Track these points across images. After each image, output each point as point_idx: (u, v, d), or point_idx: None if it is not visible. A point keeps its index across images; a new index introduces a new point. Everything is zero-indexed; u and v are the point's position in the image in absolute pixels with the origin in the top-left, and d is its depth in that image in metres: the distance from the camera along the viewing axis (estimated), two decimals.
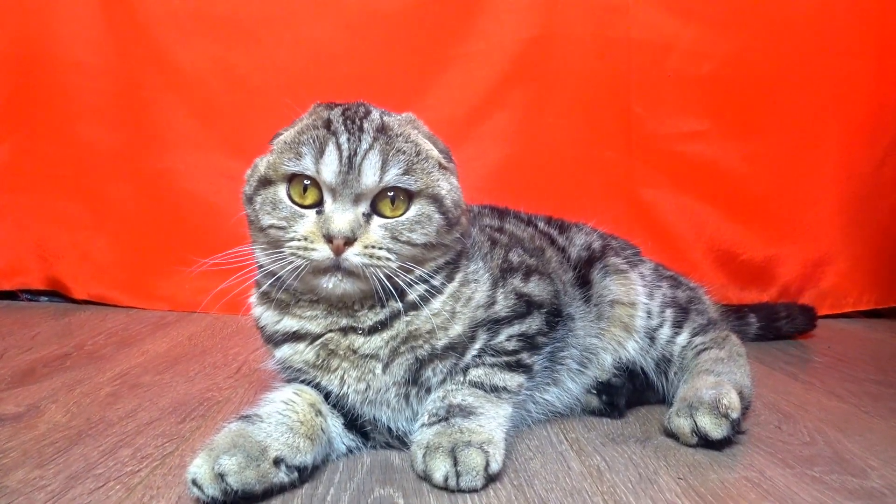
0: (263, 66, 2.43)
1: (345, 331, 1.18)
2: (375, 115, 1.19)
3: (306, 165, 1.12)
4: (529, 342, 1.27)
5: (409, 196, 1.15)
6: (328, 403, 1.21)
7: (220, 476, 1.00)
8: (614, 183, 2.45)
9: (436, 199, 1.16)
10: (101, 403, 1.42)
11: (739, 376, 1.38)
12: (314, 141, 1.13)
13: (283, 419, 1.13)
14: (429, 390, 1.21)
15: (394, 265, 1.12)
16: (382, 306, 1.16)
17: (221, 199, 2.46)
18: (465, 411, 1.15)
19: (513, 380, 1.23)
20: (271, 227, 1.15)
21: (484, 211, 1.58)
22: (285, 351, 1.23)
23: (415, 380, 1.20)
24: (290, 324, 1.22)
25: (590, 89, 2.43)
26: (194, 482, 1.00)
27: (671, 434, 1.26)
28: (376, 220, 1.13)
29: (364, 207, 1.13)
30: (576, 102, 2.44)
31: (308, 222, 1.12)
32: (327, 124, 1.15)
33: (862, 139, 2.48)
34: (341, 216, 1.10)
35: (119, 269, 2.48)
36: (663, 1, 2.43)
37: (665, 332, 1.48)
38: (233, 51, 2.43)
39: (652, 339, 1.47)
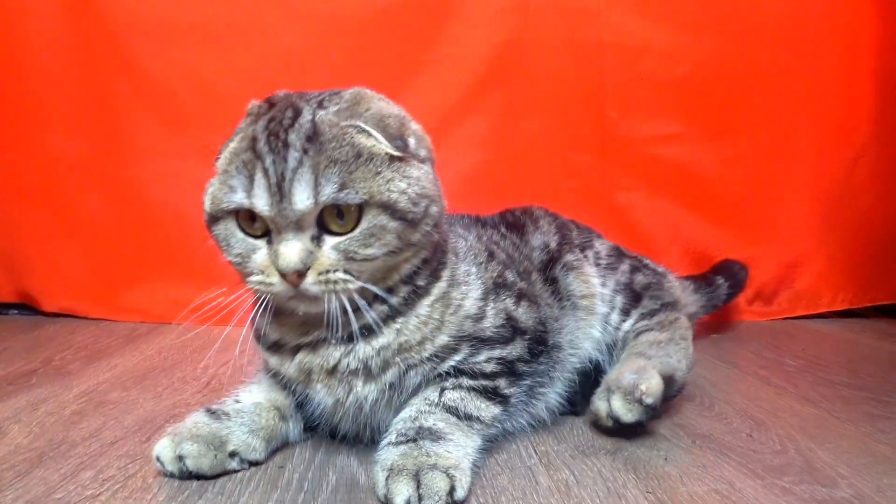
0: (234, 73, 2.40)
1: (315, 347, 1.17)
2: (305, 117, 1.08)
3: (241, 200, 1.06)
4: (509, 367, 1.23)
5: (358, 207, 1.06)
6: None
7: (180, 458, 1.12)
8: (589, 187, 2.44)
9: (387, 206, 1.07)
10: (65, 423, 1.40)
11: (675, 360, 1.39)
12: (243, 168, 1.06)
13: (246, 421, 1.20)
14: (403, 392, 1.20)
15: (354, 285, 1.08)
16: (361, 314, 1.11)
17: (192, 209, 2.41)
18: (435, 435, 1.10)
19: (488, 410, 1.19)
20: (232, 262, 1.13)
21: (483, 220, 1.58)
22: (275, 361, 1.24)
23: (395, 385, 1.18)
24: (274, 335, 1.22)
25: (563, 93, 2.42)
26: (158, 458, 1.13)
27: (594, 419, 1.29)
28: (328, 241, 1.07)
29: (311, 230, 1.06)
30: (549, 107, 2.43)
31: (261, 255, 1.09)
32: (252, 144, 1.07)
33: (835, 140, 2.48)
34: (286, 249, 1.04)
35: (89, 281, 2.45)
36: (636, 4, 2.41)
37: (614, 317, 1.50)
38: (203, 58, 2.40)
39: (605, 324, 1.48)
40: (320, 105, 1.11)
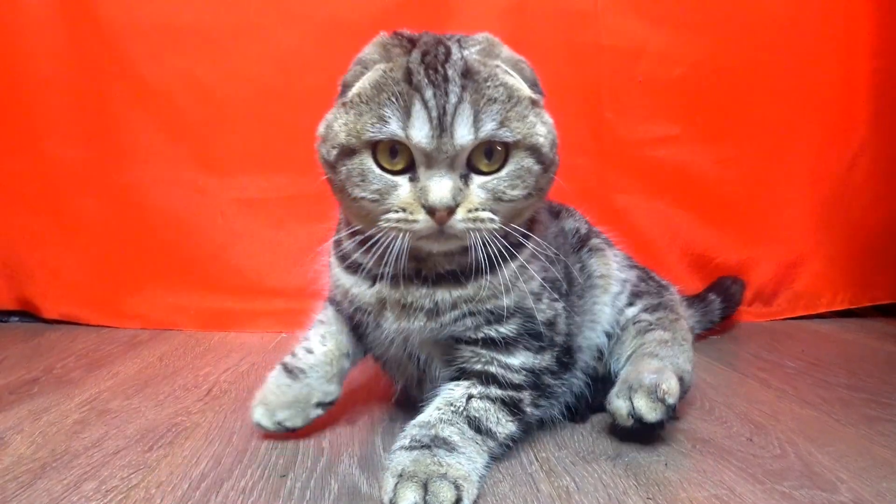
0: (231, 77, 2.41)
1: (398, 281, 1.19)
2: (456, 54, 1.08)
3: (393, 131, 1.05)
4: (536, 379, 1.24)
5: (506, 147, 1.08)
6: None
7: (278, 422, 1.31)
8: (587, 189, 2.43)
9: (534, 149, 1.10)
10: (67, 433, 1.40)
11: (682, 361, 1.41)
12: (397, 100, 1.04)
13: (322, 374, 1.34)
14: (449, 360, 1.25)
15: (497, 225, 1.10)
16: (460, 256, 1.16)
17: (192, 214, 2.44)
18: (449, 446, 1.10)
19: (505, 427, 1.20)
20: (363, 199, 1.10)
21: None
22: (349, 280, 1.26)
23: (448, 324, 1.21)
24: (359, 256, 1.22)
25: (560, 96, 2.36)
26: (258, 424, 1.31)
27: (611, 415, 1.29)
28: (475, 180, 1.08)
29: (461, 169, 1.07)
30: (546, 109, 2.42)
31: (404, 192, 1.08)
32: (408, 77, 1.05)
33: (832, 141, 2.49)
34: (439, 185, 1.05)
35: (90, 288, 2.45)
36: (633, 6, 2.42)
37: (622, 299, 1.52)
38: (200, 63, 2.41)
39: (615, 304, 1.51)
40: (460, 45, 1.12)
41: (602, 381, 1.47)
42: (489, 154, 1.08)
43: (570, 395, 1.40)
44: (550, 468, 1.20)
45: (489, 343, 1.22)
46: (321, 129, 1.17)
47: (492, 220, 1.09)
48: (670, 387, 1.24)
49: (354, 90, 1.11)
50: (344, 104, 1.12)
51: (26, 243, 2.46)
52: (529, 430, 1.30)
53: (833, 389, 1.65)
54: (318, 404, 1.34)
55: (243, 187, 2.44)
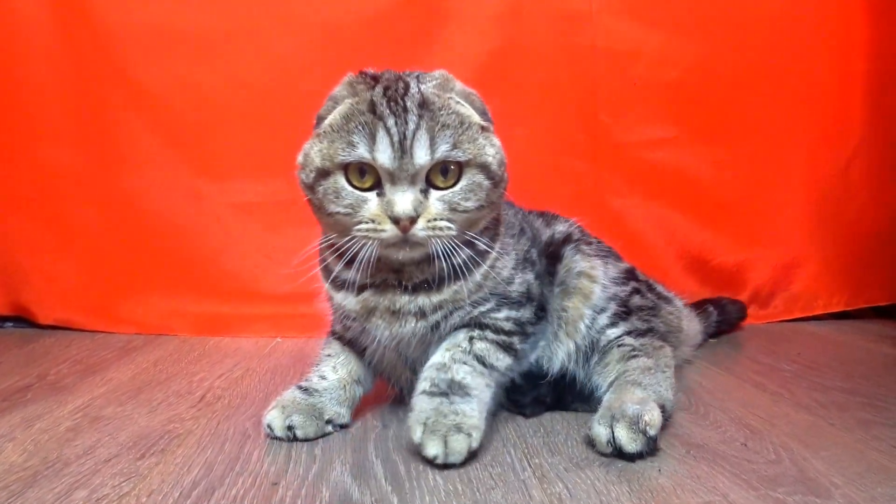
0: (227, 82, 2.41)
1: (383, 289, 1.36)
2: (414, 88, 1.26)
3: (361, 154, 1.22)
4: (521, 328, 1.43)
5: (459, 165, 1.26)
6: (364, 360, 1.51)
7: (289, 427, 1.37)
8: (583, 192, 2.44)
9: (483, 167, 1.28)
10: (59, 440, 1.39)
11: (664, 389, 1.44)
12: (364, 127, 1.22)
13: (334, 396, 1.45)
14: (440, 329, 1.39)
15: (454, 232, 1.26)
16: (429, 266, 1.32)
17: (187, 219, 2.44)
18: (464, 390, 1.28)
19: (504, 360, 1.39)
20: (337, 213, 1.26)
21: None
22: (339, 296, 1.41)
23: (438, 323, 1.38)
24: (344, 273, 1.36)
25: (556, 99, 2.42)
26: (269, 426, 1.37)
27: (590, 440, 1.31)
28: (433, 194, 1.25)
29: (420, 184, 1.24)
30: (542, 112, 2.43)
31: (372, 205, 1.24)
32: (372, 108, 1.23)
33: (828, 142, 2.49)
34: (402, 198, 1.22)
35: (85, 293, 2.45)
36: (628, 9, 2.42)
37: (602, 319, 1.56)
38: (196, 68, 2.41)
39: (593, 320, 1.56)
40: (419, 80, 1.30)
41: (563, 383, 1.54)
42: (444, 172, 1.26)
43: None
44: (543, 474, 1.19)
45: (479, 314, 1.40)
46: (300, 158, 1.35)
47: (449, 228, 1.26)
48: (653, 419, 1.26)
49: (327, 122, 1.29)
50: (318, 135, 1.31)
51: (21, 248, 2.46)
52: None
53: (829, 393, 1.65)
54: (329, 421, 1.42)
55: (239, 192, 2.44)
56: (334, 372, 1.50)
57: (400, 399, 1.54)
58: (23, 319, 2.50)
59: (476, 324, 1.40)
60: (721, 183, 2.49)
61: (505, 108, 2.40)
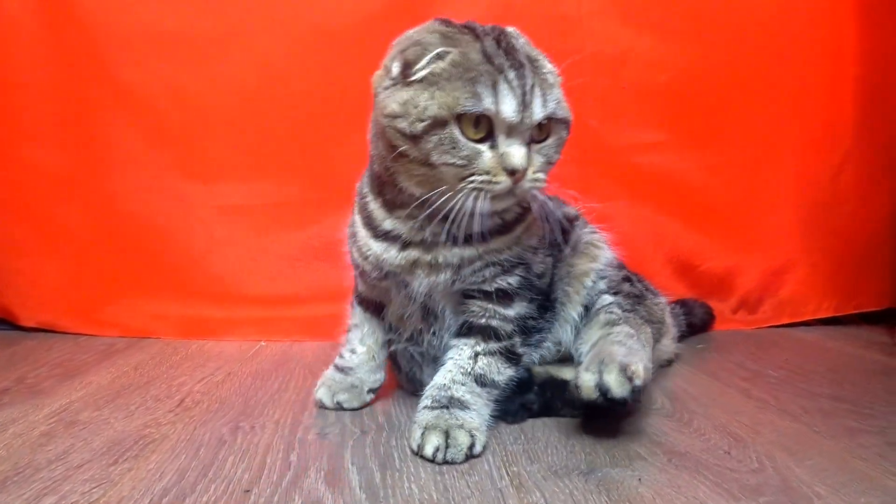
0: (214, 84, 2.39)
1: (430, 245, 1.37)
2: (518, 42, 1.30)
3: (486, 106, 1.20)
4: (524, 325, 1.45)
5: (549, 120, 1.28)
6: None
7: (338, 403, 1.56)
8: (572, 196, 2.41)
9: (565, 122, 1.33)
10: (32, 445, 1.37)
11: (646, 358, 1.44)
12: (486, 77, 1.21)
13: (367, 367, 1.60)
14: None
15: (543, 184, 1.32)
16: (491, 217, 1.35)
17: (173, 222, 2.42)
18: (463, 405, 1.34)
19: (505, 373, 1.42)
20: (451, 164, 1.24)
21: None
22: (380, 247, 1.42)
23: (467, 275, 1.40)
24: (390, 224, 1.40)
25: None
26: (320, 401, 1.57)
27: (575, 387, 1.34)
28: (534, 148, 1.28)
29: (528, 138, 1.26)
30: None
31: (487, 158, 1.23)
32: (489, 59, 1.23)
33: (819, 148, 2.47)
34: (519, 151, 1.23)
35: (68, 295, 2.42)
36: (618, 13, 2.41)
37: (601, 284, 1.62)
38: (183, 70, 2.39)
39: (595, 280, 1.61)
40: (512, 35, 1.33)
41: (551, 388, 1.53)
42: (540, 127, 1.27)
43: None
44: (521, 483, 1.17)
45: (495, 296, 1.42)
46: (394, 107, 1.26)
47: (544, 180, 1.31)
48: (639, 369, 1.30)
49: (429, 69, 1.24)
50: (418, 82, 1.25)
51: (4, 250, 2.43)
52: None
53: (815, 400, 1.63)
54: (370, 390, 1.60)
55: (225, 194, 2.42)
56: (361, 344, 1.61)
57: (408, 384, 1.67)
58: (5, 322, 2.47)
59: (483, 332, 1.43)
60: (710, 187, 2.47)
61: None
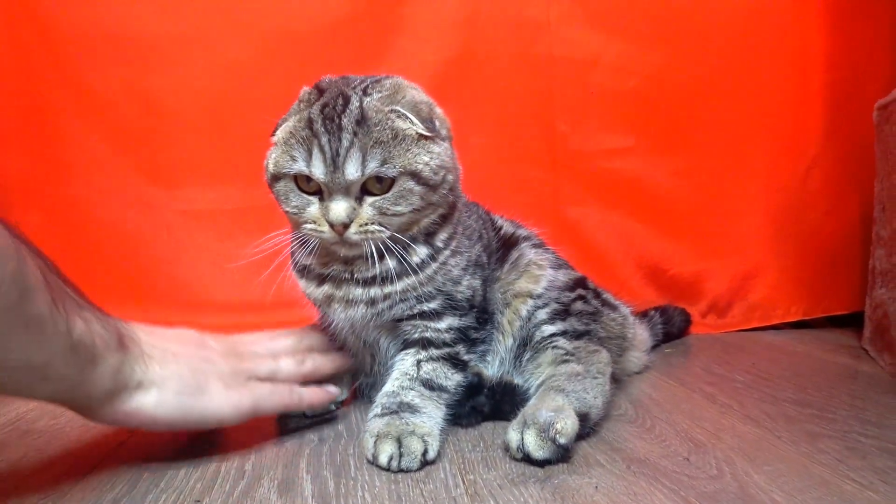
0: (178, 88, 2.36)
1: (338, 281, 1.45)
2: (354, 104, 1.32)
3: (301, 168, 1.32)
4: (464, 335, 1.49)
5: (383, 176, 1.32)
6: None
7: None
8: (540, 202, 2.42)
9: (414, 175, 1.33)
10: None
11: (591, 396, 1.45)
12: (302, 143, 1.32)
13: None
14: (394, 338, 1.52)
15: (386, 234, 1.35)
16: (380, 261, 1.39)
17: (136, 228, 2.39)
18: (413, 409, 1.36)
19: (453, 378, 1.46)
20: (289, 212, 1.40)
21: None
22: (303, 282, 1.52)
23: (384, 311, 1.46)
24: (305, 260, 1.49)
25: (513, 107, 2.40)
26: None
27: (505, 445, 1.33)
28: (367, 200, 1.33)
29: (355, 192, 1.33)
30: (499, 121, 2.41)
31: (314, 209, 1.35)
32: (310, 125, 1.32)
33: (787, 153, 2.48)
34: (336, 206, 1.32)
35: None
36: (586, 17, 2.40)
37: (542, 314, 1.61)
38: (146, 73, 2.35)
39: (534, 310, 1.61)
40: (365, 92, 1.37)
41: (501, 391, 1.55)
42: (379, 180, 1.33)
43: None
44: (476, 491, 1.16)
45: (422, 315, 1.47)
46: (265, 161, 1.43)
47: (380, 231, 1.35)
48: (565, 427, 1.28)
49: (279, 133, 1.40)
50: (274, 142, 1.42)
51: None
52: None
53: (779, 405, 1.63)
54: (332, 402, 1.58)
55: (190, 199, 2.39)
56: None
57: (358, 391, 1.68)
58: None
59: (420, 342, 1.48)
60: (679, 192, 2.48)
61: (462, 117, 2.37)
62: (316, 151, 1.30)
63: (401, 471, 1.24)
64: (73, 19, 2.31)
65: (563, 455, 1.29)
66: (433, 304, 1.46)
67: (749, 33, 2.44)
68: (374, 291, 1.43)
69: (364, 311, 1.45)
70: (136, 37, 2.34)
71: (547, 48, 2.40)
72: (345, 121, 1.30)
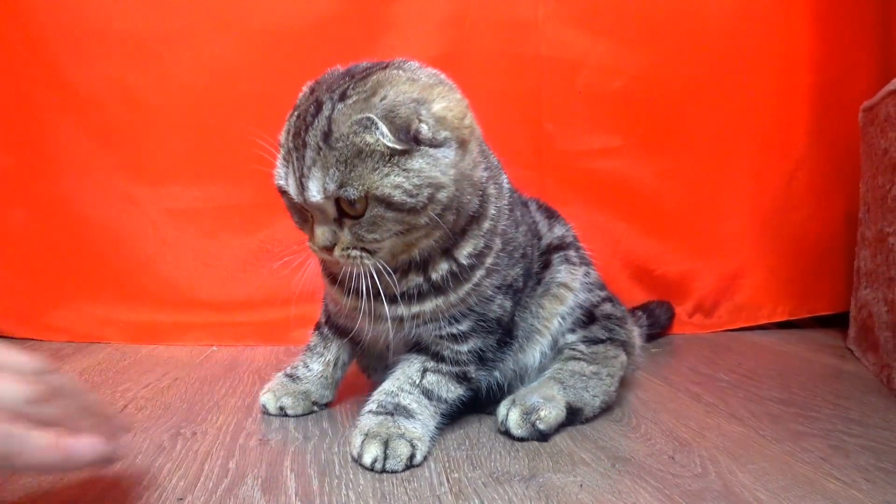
0: (163, 85, 2.35)
1: (365, 295, 1.31)
2: (324, 114, 1.18)
3: (281, 184, 1.25)
4: (480, 357, 1.43)
5: (363, 197, 1.17)
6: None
7: (281, 408, 1.54)
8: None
9: (380, 200, 1.17)
10: None
11: (590, 395, 1.49)
12: (282, 157, 1.25)
13: (318, 381, 1.58)
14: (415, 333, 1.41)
15: (370, 261, 1.25)
16: (404, 277, 1.32)
17: (121, 225, 2.37)
18: (408, 413, 1.32)
19: (455, 392, 1.40)
20: (295, 223, 1.33)
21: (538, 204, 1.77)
22: (334, 290, 1.43)
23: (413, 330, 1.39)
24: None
25: (500, 107, 2.39)
26: (264, 406, 1.55)
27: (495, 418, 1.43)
28: (346, 223, 1.22)
29: (332, 214, 1.21)
30: (485, 120, 2.34)
31: (307, 226, 1.29)
32: (286, 136, 1.24)
33: (772, 154, 2.50)
34: (317, 230, 1.24)
35: (14, 299, 2.35)
36: (573, 17, 2.40)
37: (566, 324, 1.57)
38: (131, 70, 2.34)
39: (562, 321, 1.57)
40: (343, 95, 1.20)
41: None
42: (351, 203, 1.19)
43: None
44: (460, 490, 1.16)
45: (446, 337, 1.40)
46: None
47: (363, 257, 1.25)
48: (548, 415, 1.37)
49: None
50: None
51: None
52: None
53: (764, 404, 1.64)
54: (315, 403, 1.58)
55: (175, 197, 2.38)
56: (318, 363, 1.60)
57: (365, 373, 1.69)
58: None
59: (435, 354, 1.41)
60: (666, 193, 2.48)
61: None
62: (290, 168, 1.22)
63: (384, 472, 1.23)
64: (57, 15, 2.30)
65: (539, 438, 1.37)
66: (463, 326, 1.39)
67: (735, 35, 2.45)
68: (402, 310, 1.35)
69: (391, 326, 1.38)
70: (120, 33, 2.33)
71: (534, 48, 2.39)
72: (310, 135, 1.18)
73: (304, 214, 1.29)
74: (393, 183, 1.16)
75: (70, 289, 2.37)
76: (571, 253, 1.64)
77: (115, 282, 2.37)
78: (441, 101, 1.23)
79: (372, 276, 1.26)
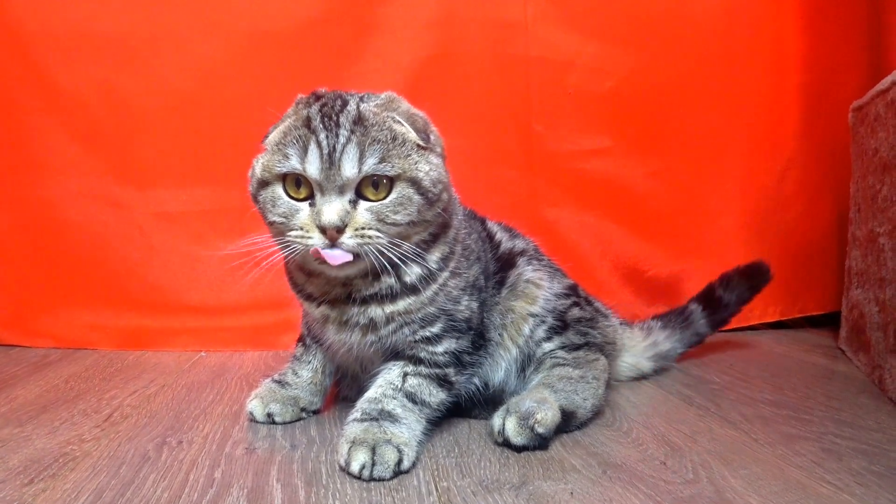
0: (149, 87, 2.33)
1: (334, 302, 1.41)
2: (352, 105, 1.30)
3: (294, 165, 1.28)
4: (457, 359, 1.46)
5: (390, 180, 1.28)
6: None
7: (269, 414, 1.55)
8: (517, 202, 2.40)
9: (414, 182, 1.30)
10: None
11: (581, 398, 1.50)
12: (297, 141, 1.28)
13: (306, 387, 1.61)
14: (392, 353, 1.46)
15: (383, 241, 1.29)
16: (377, 280, 1.36)
17: (108, 229, 2.35)
18: (393, 418, 1.33)
19: (437, 395, 1.42)
20: (274, 221, 1.33)
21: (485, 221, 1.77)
22: (306, 305, 1.49)
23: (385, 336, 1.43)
24: (301, 279, 1.47)
25: (489, 108, 2.39)
26: (251, 413, 1.55)
27: (490, 432, 1.42)
28: (362, 205, 1.28)
29: (350, 195, 1.28)
30: (475, 122, 2.39)
31: (303, 215, 1.29)
32: (307, 123, 1.29)
33: (762, 153, 2.49)
34: (329, 208, 1.26)
35: (0, 305, 2.34)
36: (563, 18, 2.39)
37: (540, 332, 1.61)
38: (117, 72, 2.32)
39: (534, 328, 1.60)
40: (362, 99, 1.34)
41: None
42: (376, 185, 1.28)
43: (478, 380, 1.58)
44: (449, 499, 1.14)
45: (423, 340, 1.44)
46: (249, 171, 1.39)
47: (378, 237, 1.29)
48: (545, 418, 1.36)
49: (270, 137, 1.35)
50: (263, 149, 1.37)
51: None
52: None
53: (756, 406, 1.63)
54: (304, 409, 1.60)
55: (162, 200, 2.37)
56: (305, 370, 1.63)
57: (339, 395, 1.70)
58: None
59: (412, 358, 1.44)
60: (656, 193, 2.47)
61: (437, 117, 2.34)
62: (312, 147, 1.26)
63: (373, 479, 1.22)
64: (42, 18, 2.29)
65: (540, 443, 1.35)
66: (435, 329, 1.43)
67: (725, 35, 2.44)
68: (374, 312, 1.40)
69: (360, 335, 1.43)
70: (106, 35, 2.31)
71: (523, 49, 2.38)
72: (343, 119, 1.28)
73: (294, 206, 1.30)
74: (423, 169, 1.31)
75: (56, 294, 2.35)
76: (535, 261, 1.70)
77: (102, 287, 2.35)
78: (433, 125, 1.42)
79: (376, 258, 1.30)
